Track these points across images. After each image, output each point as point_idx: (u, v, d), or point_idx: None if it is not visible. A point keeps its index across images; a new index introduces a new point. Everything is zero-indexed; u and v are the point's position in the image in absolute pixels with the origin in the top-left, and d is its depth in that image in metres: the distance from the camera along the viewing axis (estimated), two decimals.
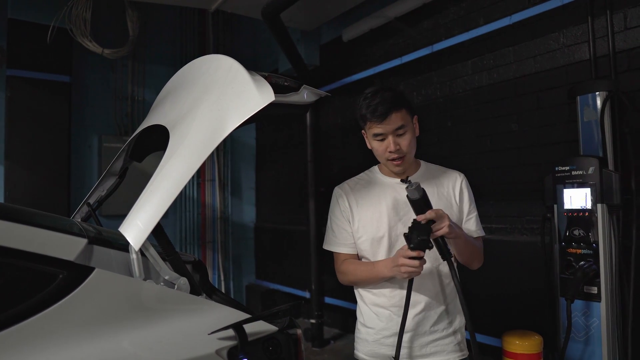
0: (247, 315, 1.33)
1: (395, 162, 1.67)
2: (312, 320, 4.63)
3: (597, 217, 2.26)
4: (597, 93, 2.44)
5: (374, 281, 1.69)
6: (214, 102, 1.51)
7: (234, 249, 5.99)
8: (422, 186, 1.51)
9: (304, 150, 4.94)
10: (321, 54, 4.94)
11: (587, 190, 2.28)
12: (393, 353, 1.60)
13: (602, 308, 2.23)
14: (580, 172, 2.31)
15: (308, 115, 4.88)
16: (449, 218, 1.50)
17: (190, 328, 1.25)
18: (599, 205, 2.26)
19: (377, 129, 1.64)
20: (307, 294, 5.06)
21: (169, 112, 1.74)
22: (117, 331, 1.17)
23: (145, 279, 1.34)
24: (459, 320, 1.71)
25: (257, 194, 6.21)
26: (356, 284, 1.78)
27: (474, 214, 1.75)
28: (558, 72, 2.91)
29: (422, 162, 1.83)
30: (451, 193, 1.74)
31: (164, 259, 1.42)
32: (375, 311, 1.72)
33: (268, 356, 1.31)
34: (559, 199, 2.40)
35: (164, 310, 1.28)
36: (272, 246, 5.88)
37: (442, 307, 1.68)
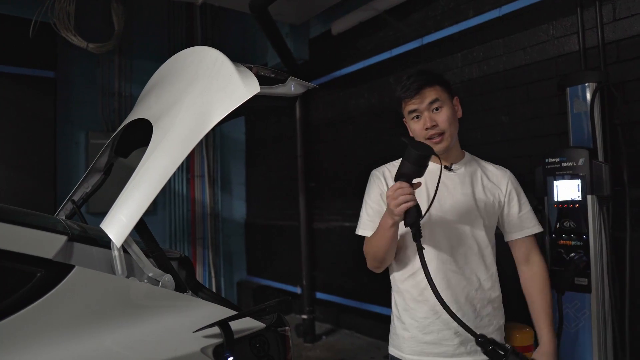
0: (233, 312, 1.30)
1: (434, 140, 1.57)
2: (304, 316, 4.62)
3: (587, 209, 2.25)
4: (586, 84, 2.43)
5: (383, 242, 1.53)
6: (199, 94, 1.48)
7: (225, 245, 5.96)
8: (465, 183, 1.43)
9: (294, 145, 4.92)
10: (310, 47, 4.90)
11: (578, 182, 2.28)
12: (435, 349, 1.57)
13: (592, 299, 2.23)
14: (571, 164, 2.30)
15: (298, 109, 4.87)
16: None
17: (175, 326, 1.21)
18: (589, 197, 2.26)
19: (411, 106, 1.59)
20: (298, 290, 5.05)
21: (153, 106, 1.70)
22: (99, 330, 1.13)
23: (128, 277, 1.30)
24: (499, 320, 1.65)
25: (248, 189, 6.17)
26: (377, 259, 1.62)
27: (527, 208, 1.68)
28: (548, 63, 2.90)
29: (467, 152, 1.73)
30: (498, 188, 1.66)
31: (147, 256, 1.39)
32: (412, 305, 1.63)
33: (255, 354, 1.28)
34: (549, 191, 2.39)
35: (148, 308, 1.24)
36: (263, 242, 5.85)
37: (482, 302, 1.60)
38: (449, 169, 1.64)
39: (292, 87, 1.67)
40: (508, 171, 1.71)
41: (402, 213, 1.39)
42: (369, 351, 4.12)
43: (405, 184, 1.38)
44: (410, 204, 1.37)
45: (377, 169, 1.74)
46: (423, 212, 1.41)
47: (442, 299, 1.30)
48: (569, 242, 2.30)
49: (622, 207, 2.37)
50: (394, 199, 1.38)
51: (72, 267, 1.15)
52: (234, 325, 1.23)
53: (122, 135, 2.04)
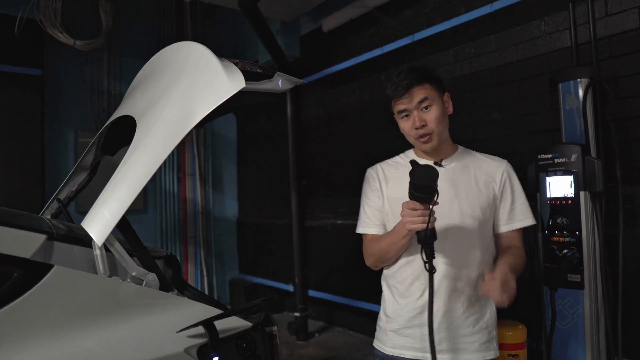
0: (219, 311, 1.27)
1: (422, 140, 1.58)
2: (297, 314, 4.60)
3: (580, 205, 2.24)
4: (579, 80, 2.41)
5: (394, 249, 1.56)
6: (184, 90, 1.44)
7: (217, 244, 5.93)
8: (455, 178, 1.40)
9: (285, 143, 4.89)
10: (301, 45, 4.86)
11: (570, 178, 2.26)
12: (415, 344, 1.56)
13: (585, 296, 2.22)
14: (563, 160, 2.29)
15: (289, 107, 4.84)
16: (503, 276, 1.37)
17: (159, 326, 1.18)
18: (582, 193, 2.24)
19: (400, 105, 1.58)
20: (290, 288, 5.03)
21: (138, 102, 1.67)
22: (79, 331, 1.09)
23: (110, 276, 1.27)
24: (489, 315, 1.61)
25: (239, 187, 6.13)
26: (382, 261, 1.64)
27: (521, 200, 1.64)
28: (540, 59, 2.88)
29: (460, 146, 1.72)
30: (492, 180, 1.62)
31: (131, 255, 1.35)
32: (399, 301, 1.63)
33: (242, 354, 1.25)
34: (542, 187, 2.38)
35: (131, 307, 1.21)
36: (255, 240, 5.82)
37: (470, 300, 1.57)
38: (438, 164, 1.62)
39: (280, 82, 1.64)
40: (504, 161, 1.67)
41: (414, 231, 1.41)
42: (362, 349, 4.11)
43: (420, 205, 1.38)
44: (424, 226, 1.38)
45: (372, 167, 1.74)
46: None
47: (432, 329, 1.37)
48: (562, 239, 2.29)
49: (614, 204, 2.36)
50: (409, 217, 1.39)
51: (51, 266, 1.12)
52: (220, 324, 1.19)
53: (109, 133, 2.00)
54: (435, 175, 1.34)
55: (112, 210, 1.26)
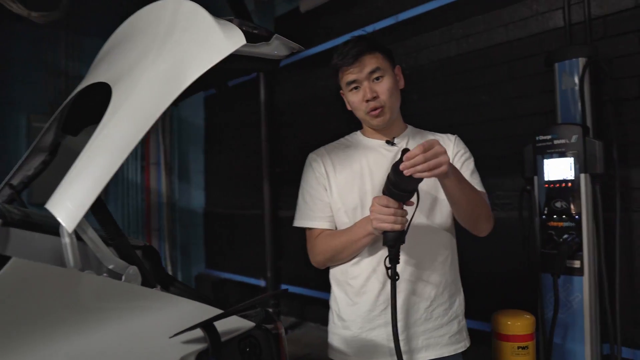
0: (218, 310, 1.07)
1: (373, 113, 1.44)
2: (269, 310, 4.40)
3: (580, 188, 2.15)
4: (576, 59, 2.32)
5: (353, 248, 1.41)
6: (170, 49, 1.22)
7: (182, 236, 5.67)
8: (402, 143, 1.26)
9: (257, 129, 4.66)
10: (277, 25, 4.63)
11: (571, 160, 2.16)
12: (383, 348, 1.39)
13: (584, 282, 2.14)
14: (563, 141, 2.19)
15: (262, 91, 4.62)
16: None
17: (146, 330, 0.97)
18: (582, 175, 2.15)
19: (350, 75, 1.44)
20: (262, 282, 4.84)
21: (112, 67, 1.43)
22: (45, 339, 0.87)
23: (82, 269, 1.04)
24: (459, 304, 1.49)
25: (207, 177, 5.86)
26: (333, 261, 1.50)
27: (472, 169, 1.50)
28: (531, 40, 2.78)
29: (410, 126, 1.61)
30: None
31: (107, 244, 1.13)
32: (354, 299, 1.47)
33: (246, 359, 1.05)
34: (539, 170, 2.27)
35: (110, 308, 0.99)
36: (224, 233, 5.57)
37: (437, 288, 1.44)
38: (391, 143, 1.51)
39: (277, 47, 1.44)
40: (454, 136, 1.56)
41: (381, 231, 1.26)
42: None
43: (393, 203, 1.22)
44: (395, 227, 1.23)
45: (315, 151, 1.59)
46: (367, 203, 1.32)
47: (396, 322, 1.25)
48: (560, 224, 2.19)
49: (611, 187, 2.29)
50: (380, 214, 1.23)
51: (8, 258, 0.88)
52: (218, 326, 0.99)
53: (72, 109, 1.75)
54: (417, 182, 1.19)
55: (85, 189, 1.03)
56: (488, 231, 1.45)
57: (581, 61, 2.32)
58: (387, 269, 1.27)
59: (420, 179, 1.17)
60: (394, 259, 1.25)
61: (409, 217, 1.27)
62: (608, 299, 2.19)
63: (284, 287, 4.67)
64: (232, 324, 1.08)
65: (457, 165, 1.48)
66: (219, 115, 5.66)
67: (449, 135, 1.57)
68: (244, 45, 1.18)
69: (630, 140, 2.40)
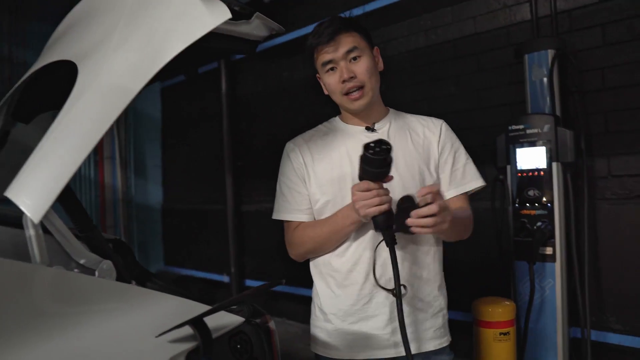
0: (203, 306, 0.98)
1: (352, 96, 1.38)
2: (232, 306, 4.29)
3: (552, 176, 2.19)
4: (546, 51, 2.36)
5: (335, 238, 1.37)
6: (145, 23, 1.12)
7: (139, 233, 5.46)
8: (391, 141, 1.18)
9: (218, 121, 4.52)
10: None
11: (543, 149, 2.20)
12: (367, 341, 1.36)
13: (556, 268, 2.18)
14: (536, 131, 2.22)
15: (224, 82, 4.49)
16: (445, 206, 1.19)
17: (128, 330, 0.87)
18: (554, 164, 2.20)
19: (325, 55, 1.38)
20: (225, 278, 4.70)
21: (75, 44, 1.29)
22: (10, 345, 0.75)
23: (50, 265, 0.93)
24: (443, 297, 1.46)
25: (165, 172, 5.65)
26: (315, 252, 1.45)
27: (465, 159, 1.47)
28: (499, 32, 2.82)
29: (391, 109, 1.54)
30: (429, 142, 1.45)
31: (77, 237, 1.01)
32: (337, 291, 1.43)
33: (237, 357, 0.97)
34: (511, 160, 2.30)
35: (85, 307, 0.88)
36: (183, 228, 5.39)
37: (425, 283, 1.41)
38: (371, 129, 1.45)
39: (257, 27, 1.36)
40: (440, 121, 1.51)
41: (370, 217, 1.21)
42: (303, 338, 3.90)
43: (374, 185, 1.18)
44: (382, 207, 1.18)
45: (292, 140, 1.53)
46: (348, 193, 1.26)
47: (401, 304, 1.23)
48: (533, 212, 2.23)
49: (579, 176, 2.35)
50: (363, 200, 1.18)
51: None
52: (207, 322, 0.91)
53: (23, 94, 1.60)
54: (388, 143, 1.15)
55: (52, 176, 0.92)
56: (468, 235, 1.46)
57: (550, 53, 2.37)
58: (386, 289, 1.30)
59: (391, 148, 1.14)
60: (390, 241, 1.20)
61: (392, 195, 1.22)
62: (578, 284, 2.24)
63: (248, 282, 4.58)
64: (221, 320, 0.99)
65: (449, 159, 1.44)
66: (177, 107, 5.46)
67: (434, 120, 1.51)
68: (224, 22, 1.10)
69: (594, 131, 2.46)
